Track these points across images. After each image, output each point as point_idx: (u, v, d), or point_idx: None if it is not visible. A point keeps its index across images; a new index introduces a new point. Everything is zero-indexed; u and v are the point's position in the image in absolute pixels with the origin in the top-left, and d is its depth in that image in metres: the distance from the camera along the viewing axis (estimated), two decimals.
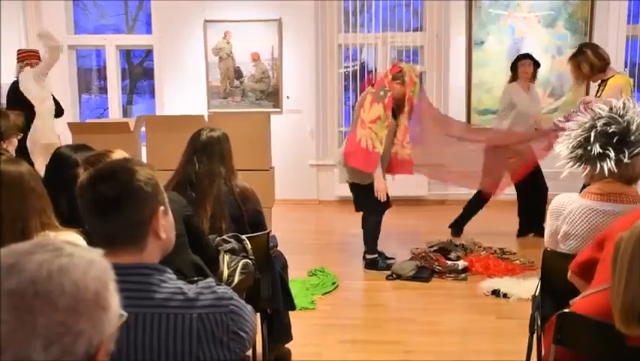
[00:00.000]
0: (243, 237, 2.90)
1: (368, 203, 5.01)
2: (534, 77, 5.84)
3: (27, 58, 6.18)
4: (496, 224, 6.19)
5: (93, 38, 8.49)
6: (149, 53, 8.73)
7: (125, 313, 1.03)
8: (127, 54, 9.68)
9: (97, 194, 1.45)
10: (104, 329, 0.94)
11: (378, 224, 5.15)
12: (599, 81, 4.89)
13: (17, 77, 6.10)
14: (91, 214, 1.47)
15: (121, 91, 8.46)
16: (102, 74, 8.95)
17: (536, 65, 5.80)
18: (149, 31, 8.28)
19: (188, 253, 2.47)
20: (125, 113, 8.77)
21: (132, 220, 1.47)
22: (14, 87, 6.08)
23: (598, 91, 4.89)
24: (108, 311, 0.95)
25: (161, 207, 1.52)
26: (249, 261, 2.85)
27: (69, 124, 5.97)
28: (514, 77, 5.84)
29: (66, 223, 2.02)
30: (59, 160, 2.53)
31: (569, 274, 2.37)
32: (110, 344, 0.99)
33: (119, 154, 2.72)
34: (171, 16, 7.74)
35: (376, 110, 4.84)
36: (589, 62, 4.75)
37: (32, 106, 5.90)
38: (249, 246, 2.87)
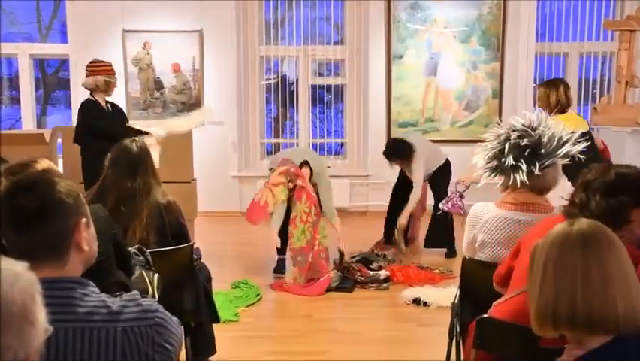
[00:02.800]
0: (145, 249, 2.84)
1: None
2: None
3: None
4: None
5: (5, 47, 8.14)
6: (64, 62, 8.46)
7: (51, 328, 1.01)
8: (40, 63, 9.35)
9: (16, 206, 1.40)
10: (31, 342, 0.93)
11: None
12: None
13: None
14: (9, 227, 1.42)
15: (34, 101, 8.15)
16: (14, 84, 8.60)
17: None
18: (64, 39, 8.04)
19: (114, 275, 2.40)
20: (40, 124, 8.45)
21: (53, 233, 1.42)
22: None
23: None
24: (35, 325, 0.94)
25: (84, 220, 1.48)
26: (158, 274, 2.80)
27: None
28: None
29: None
30: None
31: (494, 284, 2.46)
32: (36, 358, 0.98)
33: (44, 164, 2.63)
34: (88, 24, 7.53)
35: (281, 190, 4.99)
36: (558, 96, 4.88)
37: None
38: (150, 258, 2.81)
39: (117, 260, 2.48)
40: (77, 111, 5.14)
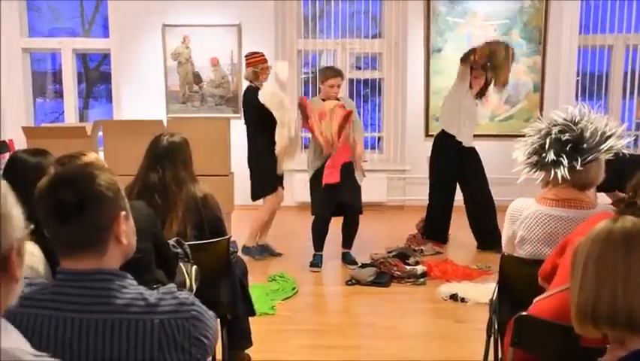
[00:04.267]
0: (183, 241, 2.87)
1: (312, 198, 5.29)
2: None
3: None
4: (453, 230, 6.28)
5: (48, 42, 8.33)
6: (105, 56, 8.59)
7: (32, 225, 1.16)
8: (83, 58, 9.51)
9: (57, 199, 1.42)
10: (11, 234, 1.08)
11: (320, 222, 5.29)
12: None
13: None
14: (51, 220, 1.44)
15: (77, 95, 8.31)
16: (57, 78, 8.77)
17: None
18: (105, 34, 8.17)
19: (153, 272, 2.42)
20: (82, 118, 8.61)
21: (93, 226, 1.44)
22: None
23: None
24: (11, 220, 1.09)
25: (123, 213, 1.50)
26: (197, 267, 2.83)
27: (24, 128, 5.83)
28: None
29: None
30: (16, 165, 2.46)
31: (539, 280, 2.42)
32: (23, 246, 1.13)
33: (91, 156, 2.67)
34: (129, 20, 7.65)
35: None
36: None
37: None
38: (189, 250, 2.84)
39: (159, 260, 2.51)
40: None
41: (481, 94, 5.88)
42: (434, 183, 6.10)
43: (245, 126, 5.64)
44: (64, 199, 1.41)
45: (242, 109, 5.82)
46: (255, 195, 5.62)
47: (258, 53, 5.66)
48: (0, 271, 1.07)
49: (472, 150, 5.87)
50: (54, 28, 8.98)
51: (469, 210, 5.92)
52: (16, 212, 1.11)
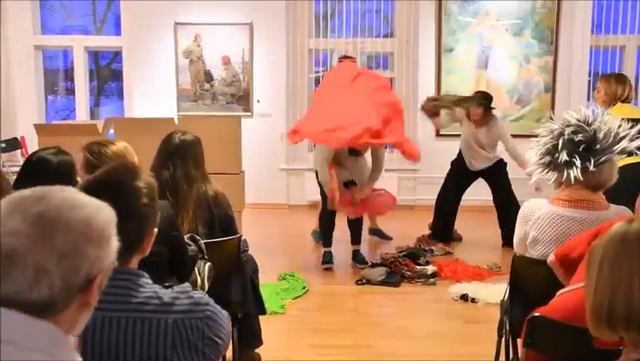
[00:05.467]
0: (198, 237, 2.86)
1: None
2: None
3: None
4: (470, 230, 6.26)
5: (60, 39, 8.38)
6: (117, 54, 8.63)
7: (117, 262, 1.22)
8: (95, 55, 9.56)
9: None
10: (104, 260, 1.14)
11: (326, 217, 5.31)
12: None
13: None
14: None
15: (88, 92, 8.34)
16: (69, 75, 8.82)
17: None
18: (117, 32, 8.19)
19: (164, 280, 2.39)
20: (93, 115, 8.65)
21: (126, 238, 1.44)
22: None
23: None
24: (110, 246, 1.16)
25: (155, 229, 1.53)
26: (210, 263, 2.82)
27: (35, 125, 5.87)
28: None
29: None
30: (40, 165, 2.48)
31: (551, 259, 2.39)
32: (105, 279, 1.18)
33: (120, 145, 2.69)
34: (141, 17, 7.67)
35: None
36: (626, 91, 4.69)
37: None
38: (204, 246, 2.84)
39: (175, 264, 2.48)
40: None
41: (481, 123, 5.92)
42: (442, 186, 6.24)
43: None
44: None
45: None
46: None
47: (351, 56, 6.15)
48: (79, 293, 1.10)
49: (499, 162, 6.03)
50: (66, 26, 9.04)
51: (499, 210, 6.05)
52: (114, 241, 1.17)
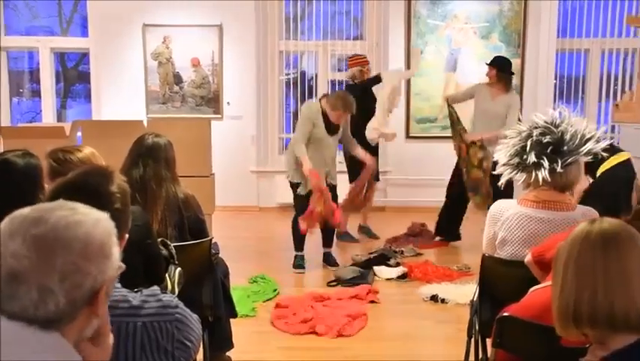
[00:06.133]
0: (168, 242, 2.84)
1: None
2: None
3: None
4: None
5: (25, 40, 8.22)
6: (84, 56, 8.51)
7: (123, 265, 1.25)
8: (61, 57, 9.41)
9: None
10: (107, 272, 1.17)
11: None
12: None
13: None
14: None
15: (55, 95, 8.22)
16: (34, 77, 8.67)
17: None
18: (84, 33, 8.08)
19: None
20: (60, 118, 8.52)
21: None
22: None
23: None
24: (110, 259, 1.18)
25: (126, 235, 1.51)
26: (181, 269, 2.80)
27: (1, 128, 5.76)
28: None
29: None
30: (7, 167, 2.43)
31: (528, 259, 2.41)
32: (111, 287, 1.22)
33: (87, 152, 2.65)
34: (109, 19, 7.58)
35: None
36: None
37: None
38: (174, 251, 2.81)
39: (149, 272, 2.44)
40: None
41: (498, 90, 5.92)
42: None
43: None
44: None
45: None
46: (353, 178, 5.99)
47: (361, 55, 6.52)
48: (86, 306, 1.14)
49: None
50: (31, 27, 8.88)
51: None
52: (115, 251, 1.20)
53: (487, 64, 5.95)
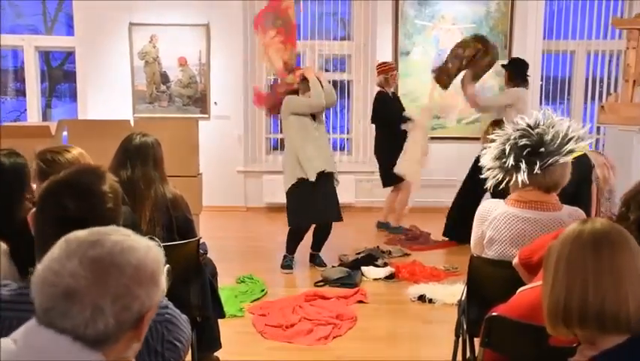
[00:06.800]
0: (156, 239, 2.82)
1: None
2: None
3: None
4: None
5: (10, 38, 8.15)
6: (69, 55, 8.45)
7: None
8: (45, 56, 9.34)
9: (61, 207, 1.40)
10: (154, 298, 1.24)
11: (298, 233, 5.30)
12: None
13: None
14: (50, 227, 1.42)
15: (40, 94, 8.15)
16: (19, 76, 8.60)
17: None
18: (69, 32, 8.04)
19: None
20: (45, 117, 8.45)
21: None
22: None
23: None
24: (158, 286, 1.26)
25: None
26: (169, 266, 2.78)
27: None
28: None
29: None
30: None
31: (516, 261, 2.42)
32: (154, 312, 1.28)
33: (75, 153, 2.62)
34: (95, 18, 7.53)
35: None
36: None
37: None
38: (162, 250, 2.80)
39: None
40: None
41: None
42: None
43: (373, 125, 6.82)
44: (67, 208, 1.39)
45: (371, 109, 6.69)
46: (387, 183, 6.60)
47: (388, 62, 6.70)
48: (131, 329, 1.21)
49: None
50: (16, 25, 8.81)
51: None
52: (162, 279, 1.28)
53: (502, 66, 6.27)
